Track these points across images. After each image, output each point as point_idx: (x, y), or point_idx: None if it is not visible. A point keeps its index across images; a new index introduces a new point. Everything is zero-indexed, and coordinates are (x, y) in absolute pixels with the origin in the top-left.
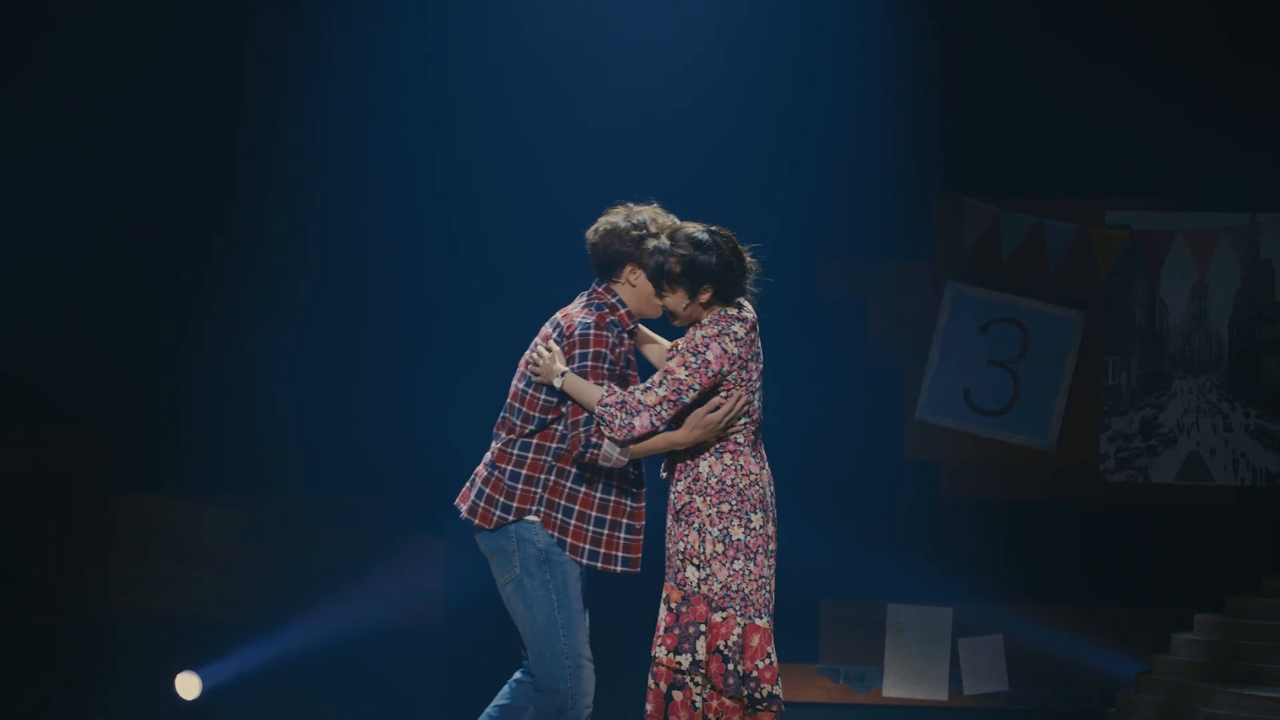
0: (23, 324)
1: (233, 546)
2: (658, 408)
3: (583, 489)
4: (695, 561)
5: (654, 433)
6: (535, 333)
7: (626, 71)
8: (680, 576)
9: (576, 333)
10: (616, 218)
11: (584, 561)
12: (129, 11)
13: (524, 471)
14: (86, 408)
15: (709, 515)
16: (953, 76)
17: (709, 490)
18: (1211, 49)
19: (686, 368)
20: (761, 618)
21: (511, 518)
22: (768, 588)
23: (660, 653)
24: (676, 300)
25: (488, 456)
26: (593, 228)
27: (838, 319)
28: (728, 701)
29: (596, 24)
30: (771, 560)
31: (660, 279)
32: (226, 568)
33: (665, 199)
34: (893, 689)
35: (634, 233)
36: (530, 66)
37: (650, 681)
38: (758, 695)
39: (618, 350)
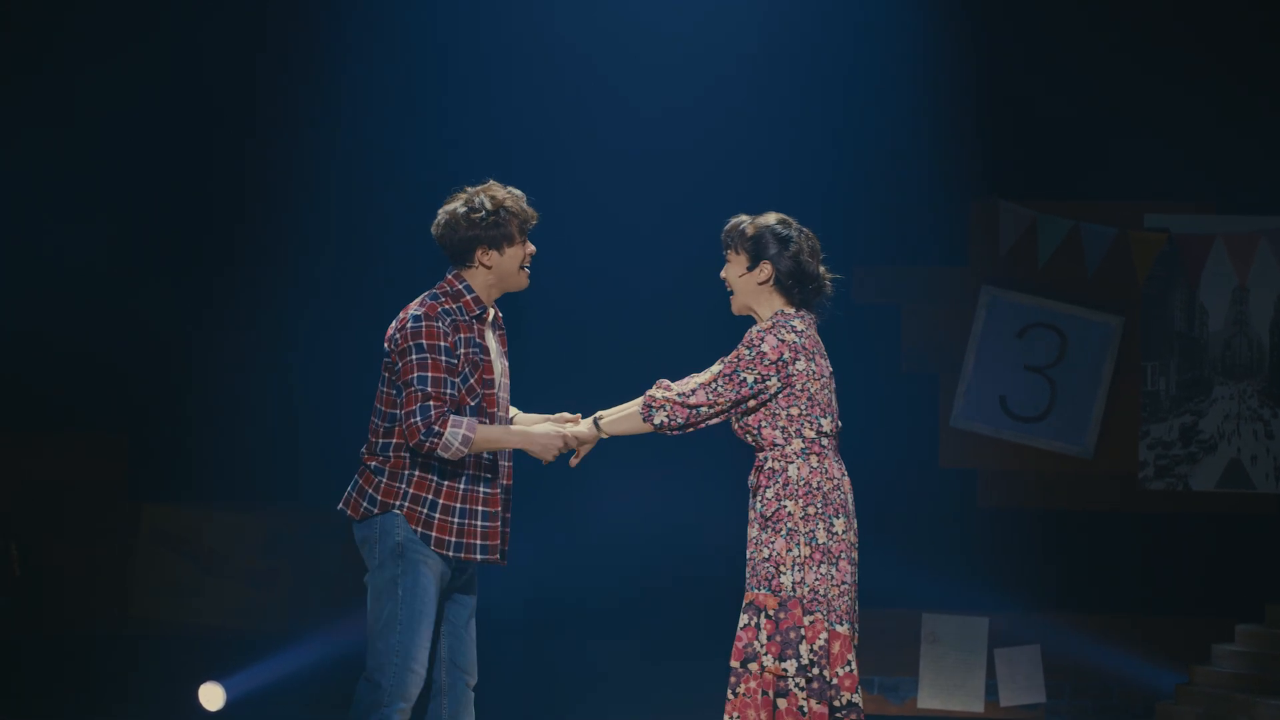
0: (42, 331)
1: (255, 556)
2: (714, 385)
3: (447, 482)
4: (788, 565)
5: (710, 408)
6: (558, 343)
7: (659, 77)
8: (775, 583)
9: (408, 326)
10: (455, 204)
11: (450, 554)
12: (143, 15)
13: (387, 468)
14: (106, 415)
15: (800, 518)
16: (989, 79)
17: (798, 493)
18: (1251, 51)
19: (740, 356)
20: (842, 624)
21: (377, 510)
22: (849, 594)
23: (768, 661)
24: (734, 268)
25: (362, 452)
26: (435, 221)
27: (872, 325)
28: (815, 706)
29: (630, 28)
30: (854, 568)
31: (733, 236)
32: (249, 578)
33: (697, 204)
34: (928, 700)
35: (474, 215)
36: (559, 75)
37: (737, 689)
38: (837, 703)
39: (454, 338)
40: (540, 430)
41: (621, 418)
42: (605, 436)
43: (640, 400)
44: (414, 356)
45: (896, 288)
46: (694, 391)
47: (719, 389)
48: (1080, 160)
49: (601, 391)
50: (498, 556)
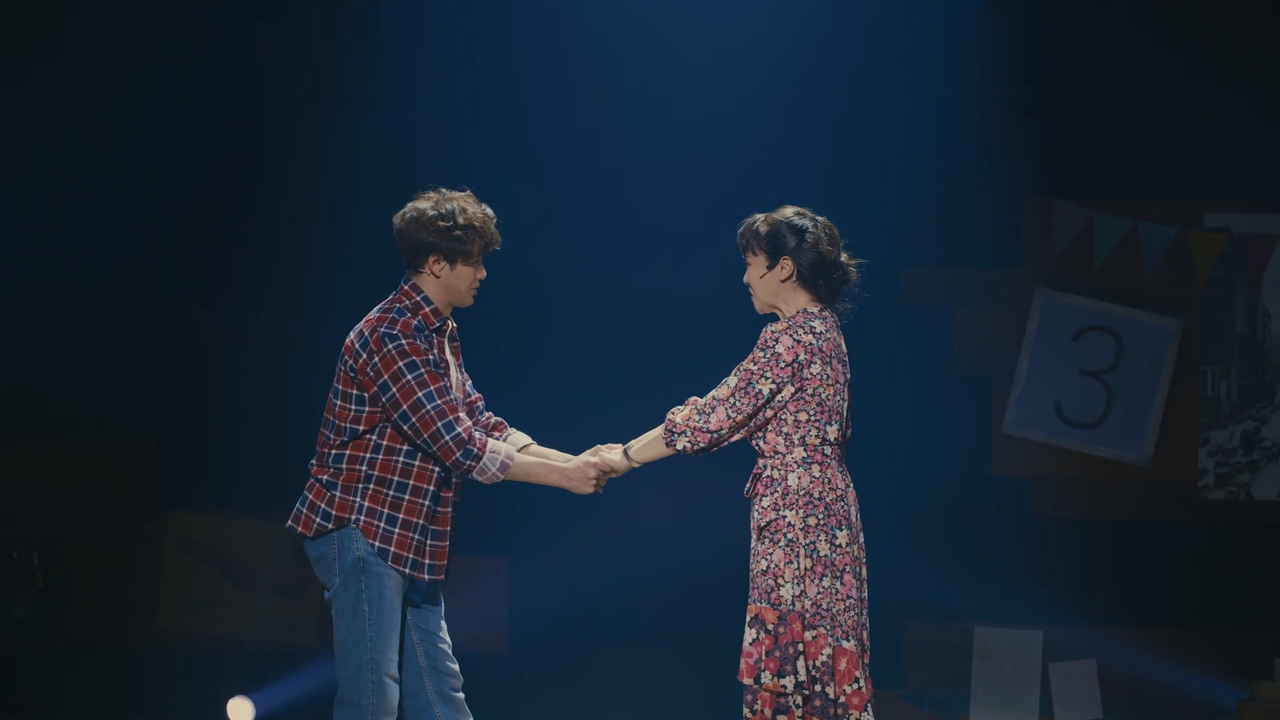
0: (66, 336)
1: (285, 567)
2: (731, 399)
3: (405, 497)
4: (787, 578)
5: (731, 427)
6: (593, 349)
7: (696, 72)
8: (775, 596)
9: (389, 348)
10: (425, 204)
11: (406, 571)
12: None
13: (340, 481)
14: (132, 422)
15: (800, 529)
16: (1044, 74)
17: (798, 503)
18: None
19: (755, 362)
20: (849, 640)
21: (332, 525)
22: (856, 610)
23: (765, 678)
24: (755, 269)
25: (311, 465)
26: (400, 212)
27: (922, 328)
28: None
29: (667, 22)
30: (860, 583)
31: (748, 238)
32: (279, 589)
33: (739, 207)
34: (980, 716)
35: (440, 222)
36: (589, 68)
37: (747, 711)
38: None
39: (430, 353)
40: (573, 467)
41: (647, 444)
42: (637, 465)
43: (662, 425)
44: (409, 378)
45: (947, 289)
46: (713, 410)
47: (737, 404)
48: (1138, 158)
49: (637, 401)
50: (442, 576)
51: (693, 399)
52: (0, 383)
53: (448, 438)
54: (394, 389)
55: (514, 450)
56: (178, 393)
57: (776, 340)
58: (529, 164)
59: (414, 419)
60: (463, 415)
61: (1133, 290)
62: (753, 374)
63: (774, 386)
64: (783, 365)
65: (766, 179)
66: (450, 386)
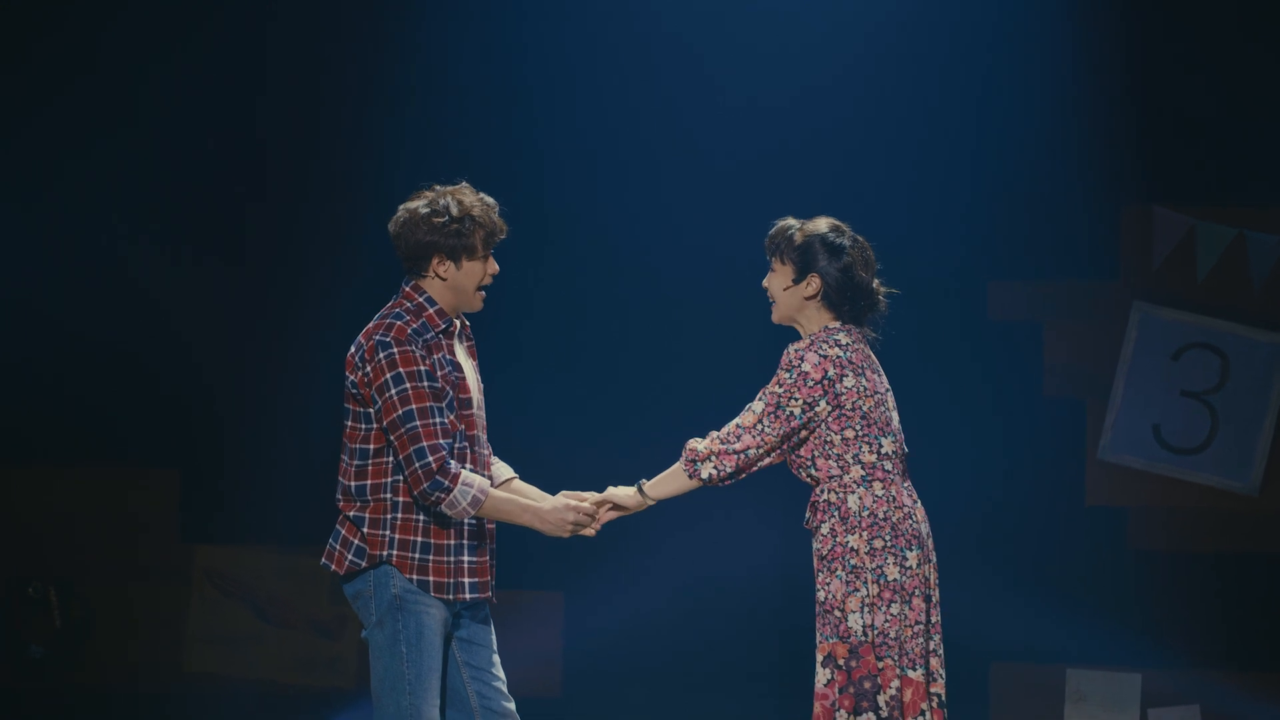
0: (88, 358)
1: (321, 604)
2: (758, 425)
3: (435, 521)
4: (853, 607)
5: (760, 450)
6: (623, 356)
7: (767, 71)
8: (843, 628)
9: (380, 357)
10: (417, 203)
11: (449, 597)
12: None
13: (367, 515)
14: (157, 449)
15: (865, 554)
16: (1141, 72)
17: (861, 526)
18: None
19: (781, 383)
20: (915, 669)
21: (365, 563)
22: (924, 635)
23: (841, 716)
24: (779, 279)
25: (337, 500)
26: (393, 217)
27: (1010, 345)
28: None
29: (735, 12)
30: (930, 606)
31: (778, 243)
32: (314, 627)
33: (815, 209)
34: None
35: (436, 219)
36: (648, 62)
37: None
38: None
39: (430, 360)
40: (550, 508)
41: (665, 478)
42: (652, 502)
43: (681, 457)
44: (393, 391)
45: (1037, 304)
46: (739, 436)
47: (765, 428)
48: (1244, 161)
49: (681, 418)
50: (488, 594)
51: (712, 432)
52: (13, 407)
53: (417, 464)
54: (380, 400)
55: (488, 485)
56: (205, 416)
57: (801, 359)
58: (571, 163)
59: (393, 436)
60: (442, 442)
61: (1239, 304)
62: (780, 396)
63: (805, 406)
64: (812, 384)
65: (843, 185)
66: (444, 405)
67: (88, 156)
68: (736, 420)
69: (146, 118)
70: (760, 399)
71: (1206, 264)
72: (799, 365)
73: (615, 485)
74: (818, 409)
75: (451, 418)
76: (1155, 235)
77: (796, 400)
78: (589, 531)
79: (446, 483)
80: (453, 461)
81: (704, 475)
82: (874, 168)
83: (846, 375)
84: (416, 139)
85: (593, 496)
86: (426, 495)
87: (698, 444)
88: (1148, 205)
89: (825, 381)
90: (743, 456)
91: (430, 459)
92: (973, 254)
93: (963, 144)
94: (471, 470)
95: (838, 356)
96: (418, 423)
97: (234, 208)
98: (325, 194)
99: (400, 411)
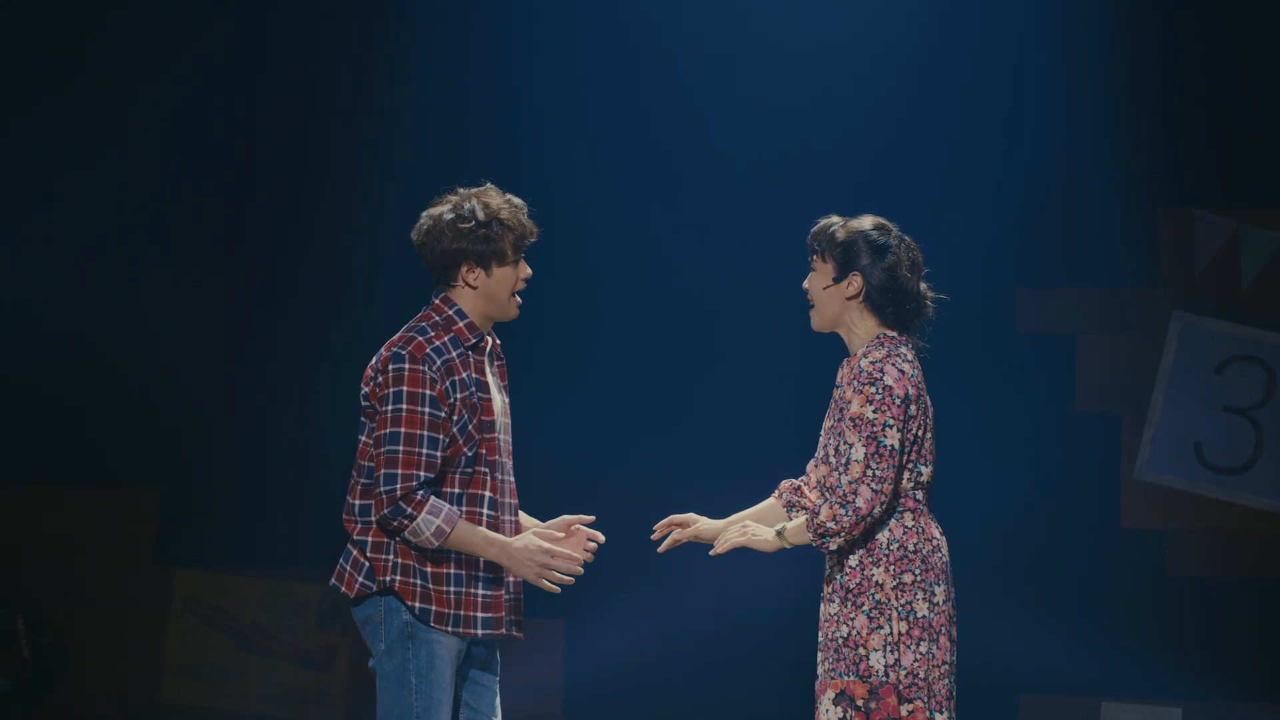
0: (62, 373)
1: (308, 633)
2: (867, 475)
3: (432, 549)
4: (875, 645)
5: (881, 500)
6: (660, 380)
7: (801, 78)
8: (863, 666)
9: (391, 369)
10: (441, 209)
11: (449, 629)
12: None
13: (370, 538)
14: (135, 467)
15: (892, 589)
16: (1181, 67)
17: (889, 559)
18: None
19: (871, 402)
20: (942, 712)
21: (375, 588)
22: (950, 676)
23: None
24: (819, 278)
25: (344, 519)
26: (416, 225)
27: (1041, 358)
28: None
29: (757, 14)
30: (954, 645)
31: (820, 241)
32: (300, 658)
33: (843, 212)
34: None
35: (462, 225)
36: (665, 63)
37: None
38: None
39: (444, 385)
40: (520, 547)
41: (798, 531)
42: (788, 546)
43: (805, 521)
44: (390, 408)
45: (1071, 314)
46: (856, 493)
47: (879, 473)
48: None
49: (706, 435)
50: (504, 630)
51: (788, 482)
52: None
53: (383, 488)
54: (378, 412)
55: (457, 516)
56: (185, 434)
57: (883, 372)
58: (588, 170)
59: (374, 451)
60: (419, 473)
61: None
62: (875, 427)
63: (899, 431)
64: (898, 403)
65: (867, 187)
66: (442, 438)
67: (65, 172)
68: (844, 477)
69: (129, 130)
70: (856, 434)
71: (1251, 270)
72: (881, 379)
73: (680, 513)
74: (907, 432)
75: (460, 441)
76: (1196, 240)
77: (893, 430)
78: (561, 580)
79: (410, 510)
80: (421, 491)
81: (833, 547)
82: (898, 168)
83: (919, 397)
84: (419, 148)
85: (558, 529)
86: (388, 520)
87: (824, 517)
88: (1187, 208)
89: (906, 400)
90: (869, 519)
91: (397, 486)
92: (1000, 259)
93: (990, 143)
94: (484, 497)
95: (912, 375)
96: (400, 447)
97: (220, 222)
98: (313, 211)
99: (388, 430)
